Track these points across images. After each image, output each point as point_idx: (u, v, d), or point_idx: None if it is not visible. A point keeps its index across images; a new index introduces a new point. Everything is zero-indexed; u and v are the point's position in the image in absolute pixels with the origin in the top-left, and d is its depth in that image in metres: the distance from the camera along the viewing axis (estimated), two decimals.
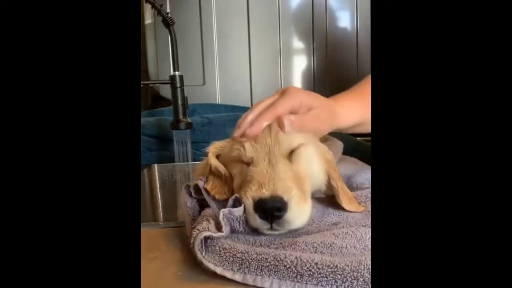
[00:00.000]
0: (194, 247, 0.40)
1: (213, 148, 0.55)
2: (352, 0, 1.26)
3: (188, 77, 1.01)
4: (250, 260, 0.38)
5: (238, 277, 0.38)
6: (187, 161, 0.99)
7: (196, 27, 1.25)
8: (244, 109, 1.14)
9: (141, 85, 1.06)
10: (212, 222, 0.43)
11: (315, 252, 0.39)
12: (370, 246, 0.40)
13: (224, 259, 0.39)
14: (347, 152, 0.72)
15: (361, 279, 0.34)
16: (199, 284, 0.38)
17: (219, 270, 0.38)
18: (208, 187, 0.51)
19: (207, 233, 0.40)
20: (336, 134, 0.69)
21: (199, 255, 0.39)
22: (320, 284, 0.35)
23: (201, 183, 0.50)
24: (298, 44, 1.28)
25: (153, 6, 0.93)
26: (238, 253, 0.39)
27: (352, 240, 0.41)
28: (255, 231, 0.44)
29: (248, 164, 0.49)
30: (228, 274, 0.38)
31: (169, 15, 0.93)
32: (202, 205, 0.50)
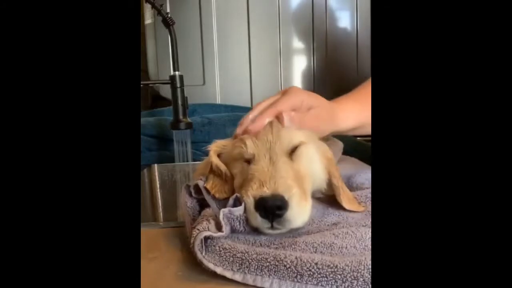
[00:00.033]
0: (194, 247, 0.40)
1: (215, 146, 0.55)
2: (352, 0, 1.26)
3: (188, 77, 1.01)
4: (250, 260, 0.38)
5: (238, 277, 0.38)
6: (187, 161, 0.99)
7: (196, 27, 1.25)
8: (244, 109, 1.14)
9: (141, 85, 1.06)
10: (212, 222, 0.43)
11: (315, 252, 0.39)
12: (370, 246, 0.40)
13: (224, 259, 0.39)
14: (347, 152, 0.72)
15: (361, 279, 0.34)
16: (199, 284, 0.38)
17: (219, 270, 0.38)
18: (208, 186, 0.51)
19: (207, 233, 0.40)
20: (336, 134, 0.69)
21: (199, 255, 0.39)
22: (320, 284, 0.35)
23: (201, 183, 0.50)
24: (298, 44, 1.28)
25: (153, 6, 0.93)
26: (238, 253, 0.39)
27: (352, 240, 0.41)
28: (256, 231, 0.44)
29: (249, 162, 0.49)
30: (228, 274, 0.38)
31: (169, 15, 0.93)
32: (202, 205, 0.50)
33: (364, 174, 0.59)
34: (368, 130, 0.66)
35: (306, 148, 0.51)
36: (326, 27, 1.26)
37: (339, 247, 0.39)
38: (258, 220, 0.43)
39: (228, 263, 0.38)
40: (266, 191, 0.43)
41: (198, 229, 0.41)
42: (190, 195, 0.50)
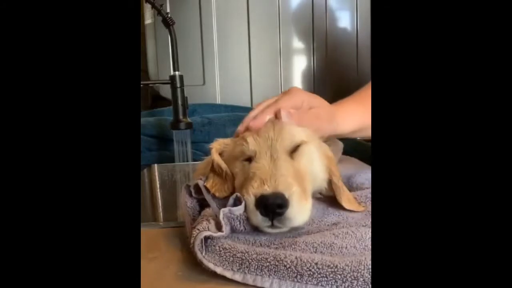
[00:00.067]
0: (194, 247, 0.40)
1: (217, 144, 0.55)
2: (352, 0, 1.26)
3: (188, 77, 1.01)
4: (250, 260, 0.38)
5: (238, 277, 0.38)
6: (187, 161, 0.99)
7: (196, 27, 1.25)
8: (244, 109, 1.14)
9: (141, 85, 1.06)
10: (212, 222, 0.43)
11: (315, 252, 0.39)
12: (370, 246, 0.40)
13: (224, 259, 0.39)
14: (347, 152, 0.72)
15: (361, 279, 0.34)
16: (199, 284, 0.38)
17: (219, 270, 0.38)
18: (208, 185, 0.51)
19: (207, 233, 0.40)
20: None
21: (199, 255, 0.39)
22: (320, 284, 0.35)
23: (201, 182, 0.50)
24: (298, 44, 1.28)
25: (153, 6, 0.93)
26: (238, 253, 0.39)
27: (352, 240, 0.41)
28: (256, 230, 0.44)
29: (250, 160, 0.49)
30: (228, 274, 0.38)
31: (169, 15, 0.93)
32: (202, 205, 0.50)
33: (364, 174, 0.59)
34: (368, 133, 0.66)
35: (307, 147, 0.51)
36: (326, 27, 1.26)
37: (339, 247, 0.39)
38: (258, 219, 0.43)
39: (228, 263, 0.38)
40: (267, 189, 0.43)
41: (198, 229, 0.41)
42: (190, 195, 0.50)
